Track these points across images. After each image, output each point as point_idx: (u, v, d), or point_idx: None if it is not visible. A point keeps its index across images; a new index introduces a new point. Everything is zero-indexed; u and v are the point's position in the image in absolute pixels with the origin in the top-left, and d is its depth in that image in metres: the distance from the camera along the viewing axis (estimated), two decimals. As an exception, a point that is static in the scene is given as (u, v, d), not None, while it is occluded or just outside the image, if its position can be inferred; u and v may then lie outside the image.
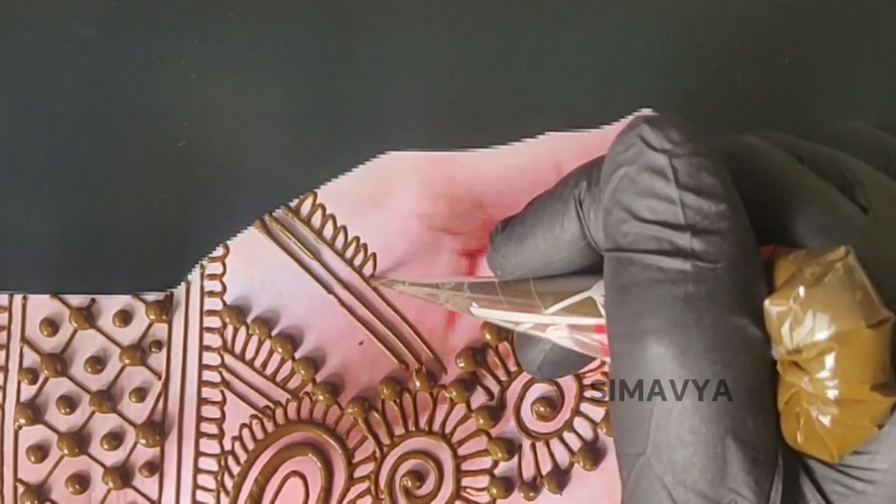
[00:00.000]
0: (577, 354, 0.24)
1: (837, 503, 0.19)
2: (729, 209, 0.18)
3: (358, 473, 0.33)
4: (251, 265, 0.33)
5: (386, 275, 0.33)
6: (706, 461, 0.18)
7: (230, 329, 0.33)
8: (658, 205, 0.19)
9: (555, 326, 0.24)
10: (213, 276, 0.33)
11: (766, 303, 0.18)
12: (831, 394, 0.18)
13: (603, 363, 0.34)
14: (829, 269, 0.17)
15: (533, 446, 0.34)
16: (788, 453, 0.19)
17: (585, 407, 0.34)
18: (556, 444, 0.34)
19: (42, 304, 0.32)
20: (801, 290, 0.18)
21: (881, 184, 0.21)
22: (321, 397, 0.33)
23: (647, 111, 0.32)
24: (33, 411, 0.32)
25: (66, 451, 0.32)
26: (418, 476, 0.33)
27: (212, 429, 0.32)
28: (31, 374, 0.32)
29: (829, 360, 0.17)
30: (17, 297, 0.32)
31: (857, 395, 0.17)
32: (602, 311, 0.22)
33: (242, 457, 0.32)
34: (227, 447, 0.32)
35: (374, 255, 0.33)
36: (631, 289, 0.19)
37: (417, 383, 0.33)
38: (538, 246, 0.23)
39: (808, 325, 0.17)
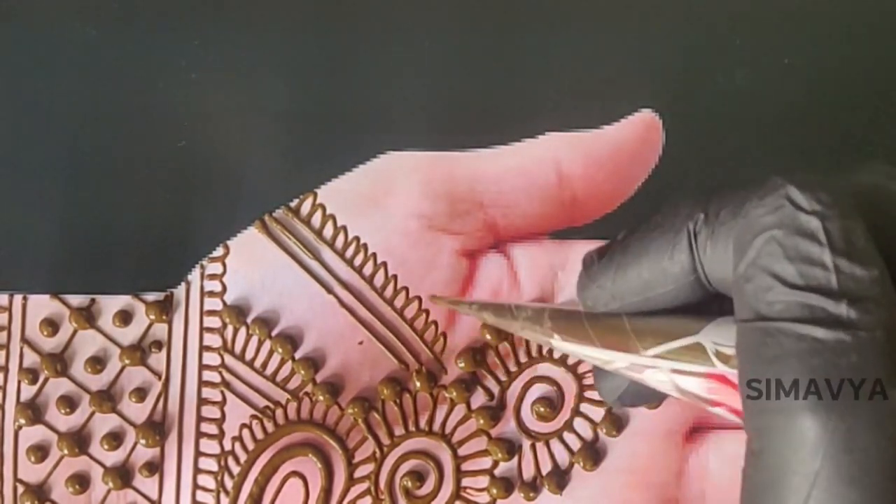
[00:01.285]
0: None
1: None
2: (881, 274, 0.18)
3: (358, 474, 0.33)
4: (251, 265, 0.33)
5: (448, 297, 0.32)
6: None
7: (230, 329, 0.33)
8: (810, 270, 0.18)
9: (655, 370, 0.23)
10: (213, 276, 0.33)
11: None
12: None
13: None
14: None
15: (533, 446, 0.33)
16: None
17: (585, 407, 0.34)
18: (556, 445, 0.34)
19: (42, 304, 0.32)
20: None
21: None
22: (321, 397, 0.33)
23: (647, 111, 0.32)
24: (33, 411, 0.32)
25: (66, 451, 0.32)
26: (418, 476, 0.33)
27: (212, 429, 0.32)
28: (31, 374, 0.32)
29: None
30: (17, 297, 0.32)
31: None
32: (713, 358, 0.21)
33: (242, 457, 0.32)
34: (227, 447, 0.32)
35: (374, 254, 0.33)
36: (782, 360, 0.18)
37: (417, 383, 0.33)
38: (641, 276, 0.22)
39: None
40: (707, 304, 0.23)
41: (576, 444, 0.34)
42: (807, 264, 0.18)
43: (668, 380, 0.23)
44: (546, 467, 0.33)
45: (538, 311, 0.27)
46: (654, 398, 0.26)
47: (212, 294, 0.33)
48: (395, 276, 0.33)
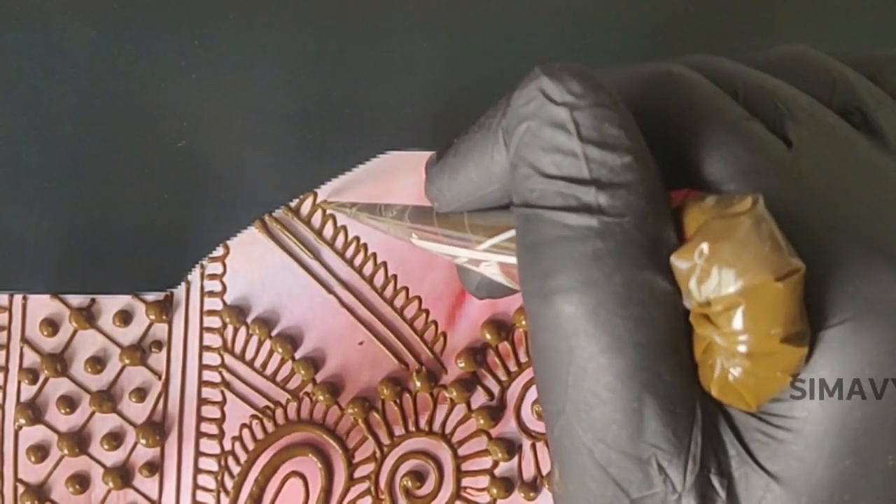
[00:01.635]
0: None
1: (758, 451, 0.18)
2: (635, 160, 0.18)
3: (358, 474, 0.33)
4: (251, 265, 0.33)
5: (337, 199, 0.32)
6: (624, 417, 0.18)
7: (230, 329, 0.33)
8: (562, 160, 0.18)
9: (486, 263, 0.24)
10: (213, 276, 0.33)
11: (672, 258, 0.18)
12: (742, 347, 0.17)
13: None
14: (736, 222, 0.17)
15: (533, 446, 0.33)
16: (708, 403, 0.18)
17: (585, 407, 0.34)
18: (556, 445, 0.33)
19: (42, 304, 0.32)
20: (706, 247, 0.17)
21: (816, 117, 0.20)
22: (321, 397, 0.33)
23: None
24: (33, 411, 0.32)
25: (66, 451, 0.32)
26: (418, 476, 0.33)
27: (212, 429, 0.32)
28: (31, 374, 0.32)
29: (738, 314, 0.17)
30: (17, 297, 0.32)
31: (768, 347, 0.17)
32: None
33: (242, 457, 0.32)
34: (228, 447, 0.32)
35: (374, 254, 0.33)
36: (539, 247, 0.18)
37: (418, 383, 0.33)
38: (471, 178, 0.23)
39: (715, 280, 0.17)
40: None
41: (576, 444, 0.33)
42: (559, 154, 0.18)
43: (498, 272, 0.24)
44: (546, 467, 0.33)
45: (401, 211, 0.27)
46: (504, 292, 0.26)
47: (212, 294, 0.33)
48: (395, 276, 0.33)
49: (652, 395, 0.18)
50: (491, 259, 0.24)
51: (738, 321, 0.17)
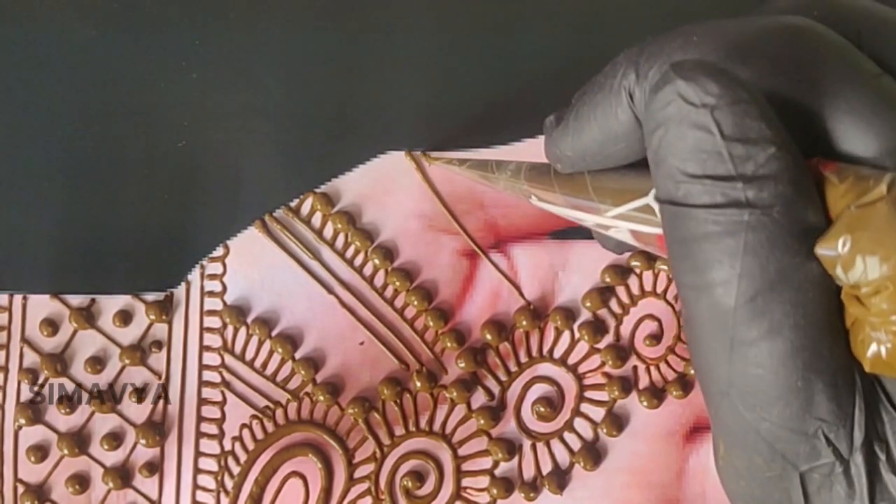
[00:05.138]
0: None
1: None
2: (778, 150, 0.18)
3: (358, 474, 0.33)
4: (251, 265, 0.33)
5: (442, 155, 0.32)
6: (789, 396, 0.19)
7: (230, 329, 0.33)
8: (707, 159, 0.19)
9: (616, 230, 0.24)
10: (213, 276, 0.33)
11: (817, 249, 0.18)
12: (894, 327, 0.18)
13: (603, 363, 0.34)
14: (873, 209, 0.17)
15: (533, 447, 0.33)
16: (863, 372, 0.19)
17: (586, 407, 0.34)
18: (556, 445, 0.34)
19: (42, 304, 0.32)
20: (847, 238, 0.18)
21: None
22: (321, 398, 0.33)
23: None
24: (33, 411, 0.32)
25: (66, 452, 0.32)
26: (418, 476, 0.33)
27: (212, 429, 0.32)
28: (31, 374, 0.32)
29: (886, 296, 0.18)
30: (17, 297, 0.32)
31: None
32: (661, 219, 0.22)
33: (242, 457, 0.32)
34: (227, 447, 0.32)
35: (374, 254, 0.33)
36: (691, 242, 0.19)
37: (418, 384, 0.33)
38: (595, 138, 0.23)
39: (860, 267, 0.18)
40: None
41: (576, 444, 0.33)
42: (702, 154, 0.19)
43: (629, 238, 0.24)
44: (546, 467, 0.33)
45: (517, 169, 0.28)
46: (625, 247, 0.27)
47: (212, 294, 0.33)
48: (395, 276, 0.33)
49: (814, 372, 0.18)
50: (621, 226, 0.24)
51: (887, 302, 0.18)
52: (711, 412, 0.20)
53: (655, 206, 0.22)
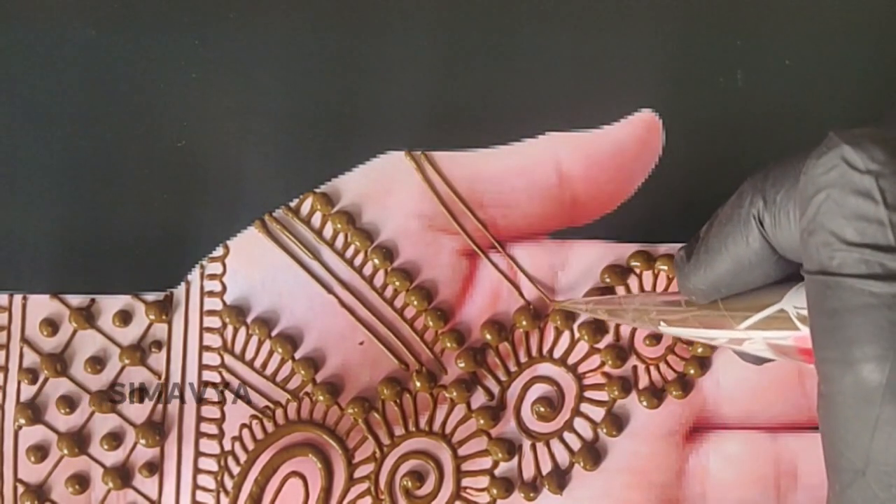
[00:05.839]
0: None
1: None
2: None
3: (358, 474, 0.33)
4: (251, 265, 0.33)
5: (566, 299, 0.33)
6: None
7: (230, 329, 0.33)
8: (867, 227, 0.19)
9: (750, 341, 0.24)
10: (213, 276, 0.33)
11: None
12: None
13: (603, 363, 0.34)
14: None
15: (533, 447, 0.33)
16: None
17: (586, 407, 0.34)
18: (556, 445, 0.34)
19: (42, 304, 0.32)
20: None
21: None
22: (321, 398, 0.33)
23: (647, 111, 0.32)
24: (33, 411, 0.32)
25: (66, 451, 0.32)
26: (418, 476, 0.33)
27: (212, 429, 0.32)
28: (31, 374, 0.32)
29: None
30: (17, 297, 0.32)
31: None
32: (796, 322, 0.23)
33: (242, 457, 0.32)
34: (227, 447, 0.32)
35: (374, 255, 0.33)
36: (842, 314, 0.19)
37: (418, 384, 0.33)
38: (728, 269, 0.24)
39: None
40: (796, 274, 0.24)
41: (576, 444, 0.34)
42: (863, 222, 0.18)
43: (764, 348, 0.24)
44: (546, 467, 0.33)
45: (645, 305, 0.29)
46: (764, 360, 0.28)
47: (212, 294, 0.33)
48: (395, 276, 0.33)
49: None
50: (755, 336, 0.24)
51: None
52: (836, 488, 0.20)
53: (790, 310, 0.22)
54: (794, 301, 0.23)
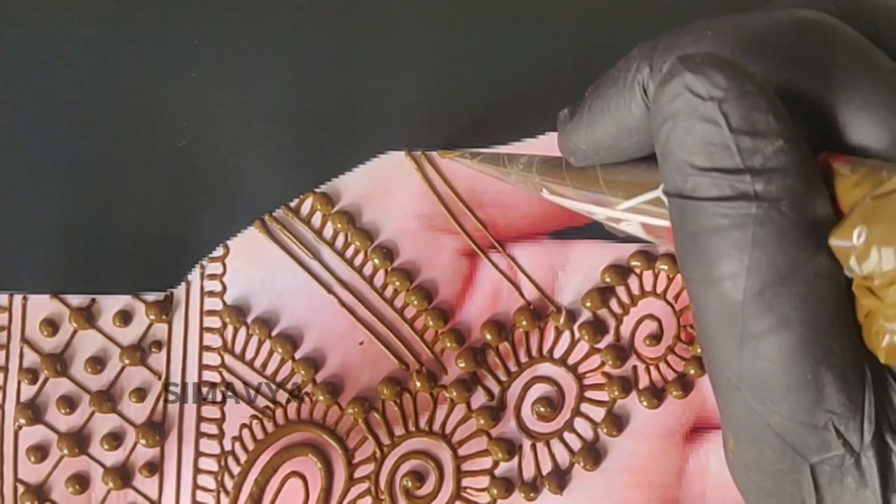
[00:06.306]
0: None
1: None
2: (786, 143, 0.18)
3: (358, 474, 0.33)
4: (251, 265, 0.33)
5: (454, 152, 0.33)
6: (799, 389, 0.19)
7: (230, 329, 0.33)
8: (714, 152, 0.19)
9: (627, 223, 0.24)
10: (213, 276, 0.33)
11: (830, 241, 0.18)
12: None
13: (603, 363, 0.34)
14: (889, 200, 0.17)
15: (533, 447, 0.33)
16: (874, 361, 0.19)
17: (585, 407, 0.34)
18: (556, 445, 0.34)
19: (42, 304, 0.32)
20: (863, 229, 0.18)
21: None
22: (321, 398, 0.33)
23: None
24: (33, 411, 0.32)
25: (66, 452, 0.32)
26: (418, 476, 0.33)
27: (212, 429, 0.32)
28: (31, 374, 0.32)
29: None
30: (17, 297, 0.32)
31: None
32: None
33: (242, 457, 0.32)
34: (227, 447, 0.32)
35: (374, 255, 0.33)
36: (699, 236, 0.19)
37: (418, 384, 0.33)
38: (609, 132, 0.24)
39: (875, 258, 0.18)
40: None
41: (576, 444, 0.33)
42: (710, 147, 0.19)
43: (640, 231, 0.24)
44: (546, 467, 0.33)
45: (528, 163, 0.28)
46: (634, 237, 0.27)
47: (212, 294, 0.33)
48: (395, 276, 0.33)
49: (825, 365, 0.19)
50: (632, 219, 0.24)
51: None
52: (721, 406, 0.20)
53: (665, 199, 0.22)
54: None
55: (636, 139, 0.23)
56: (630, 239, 0.27)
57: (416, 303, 0.33)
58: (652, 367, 0.34)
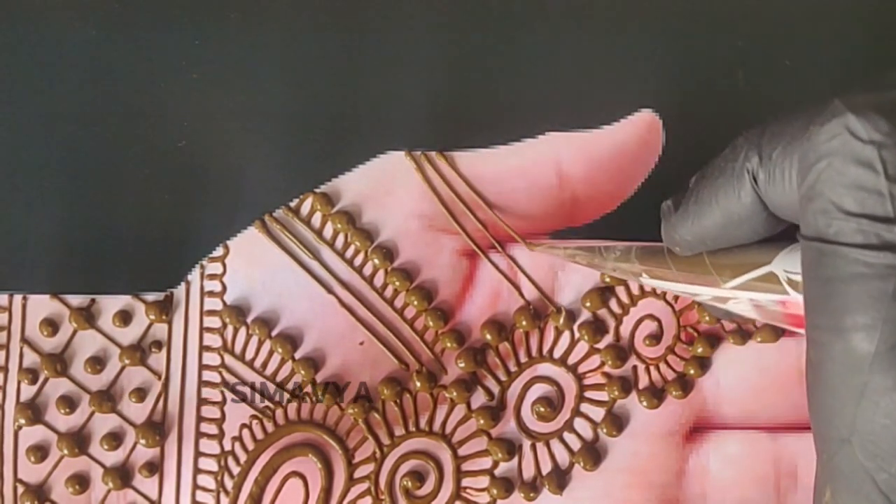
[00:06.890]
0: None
1: None
2: None
3: (358, 474, 0.33)
4: (251, 265, 0.33)
5: (543, 240, 0.33)
6: None
7: (230, 329, 0.33)
8: (866, 198, 0.18)
9: (735, 301, 0.24)
10: (213, 276, 0.33)
11: None
12: None
13: (603, 363, 0.34)
14: None
15: (533, 447, 0.33)
16: None
17: (586, 407, 0.34)
18: (556, 445, 0.34)
19: (42, 304, 0.32)
20: None
21: None
22: (322, 398, 0.33)
23: (647, 111, 0.32)
24: (33, 411, 0.32)
25: (66, 452, 0.32)
26: (418, 476, 0.33)
27: (212, 429, 0.32)
28: (31, 374, 0.32)
29: None
30: (17, 297, 0.32)
31: None
32: (786, 286, 0.22)
33: (242, 457, 0.32)
34: (227, 447, 0.32)
35: (374, 255, 0.33)
36: (836, 283, 0.19)
37: (418, 384, 0.33)
38: (716, 221, 0.24)
39: None
40: (787, 232, 0.24)
41: (576, 444, 0.34)
42: (863, 192, 0.18)
43: (749, 309, 0.24)
44: (546, 467, 0.33)
45: (626, 251, 0.28)
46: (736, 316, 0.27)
47: (212, 294, 0.33)
48: (395, 276, 0.33)
49: None
50: (740, 296, 0.24)
51: None
52: (824, 456, 0.20)
53: (780, 273, 0.22)
54: (785, 264, 0.23)
55: (745, 228, 0.23)
56: (731, 317, 0.26)
57: (416, 303, 0.33)
58: (652, 367, 0.34)
